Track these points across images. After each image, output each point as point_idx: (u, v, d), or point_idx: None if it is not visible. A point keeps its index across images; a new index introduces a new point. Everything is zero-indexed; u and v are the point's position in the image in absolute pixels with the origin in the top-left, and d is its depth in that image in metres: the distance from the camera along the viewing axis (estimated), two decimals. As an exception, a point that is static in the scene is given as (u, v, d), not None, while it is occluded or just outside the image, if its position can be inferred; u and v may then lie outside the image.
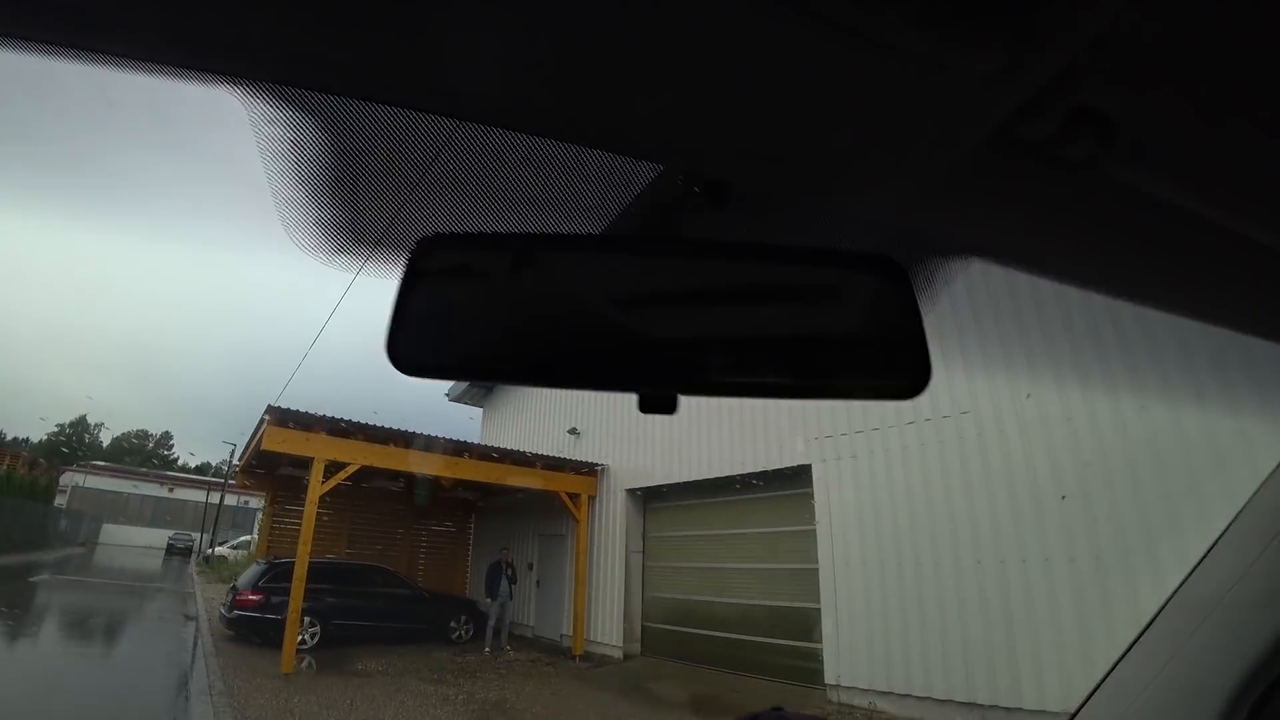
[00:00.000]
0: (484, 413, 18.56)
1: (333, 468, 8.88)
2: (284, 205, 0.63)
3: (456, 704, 7.16)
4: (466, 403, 18.97)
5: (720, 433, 9.14)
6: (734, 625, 8.44)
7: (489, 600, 10.89)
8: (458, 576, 15.32)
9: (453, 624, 11.46)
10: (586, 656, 10.20)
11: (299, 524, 13.98)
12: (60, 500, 38.08)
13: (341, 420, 8.81)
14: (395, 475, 12.92)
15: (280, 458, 10.84)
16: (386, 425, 9.27)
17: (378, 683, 8.01)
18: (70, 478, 41.15)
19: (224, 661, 8.50)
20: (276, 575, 9.88)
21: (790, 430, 8.17)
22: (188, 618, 11.63)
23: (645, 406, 0.57)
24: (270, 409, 8.27)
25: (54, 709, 5.98)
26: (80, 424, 64.62)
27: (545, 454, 11.12)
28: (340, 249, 0.69)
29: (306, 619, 9.75)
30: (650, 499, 10.71)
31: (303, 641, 9.62)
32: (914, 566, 6.58)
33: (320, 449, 8.60)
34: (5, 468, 28.93)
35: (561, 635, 11.36)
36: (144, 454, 67.41)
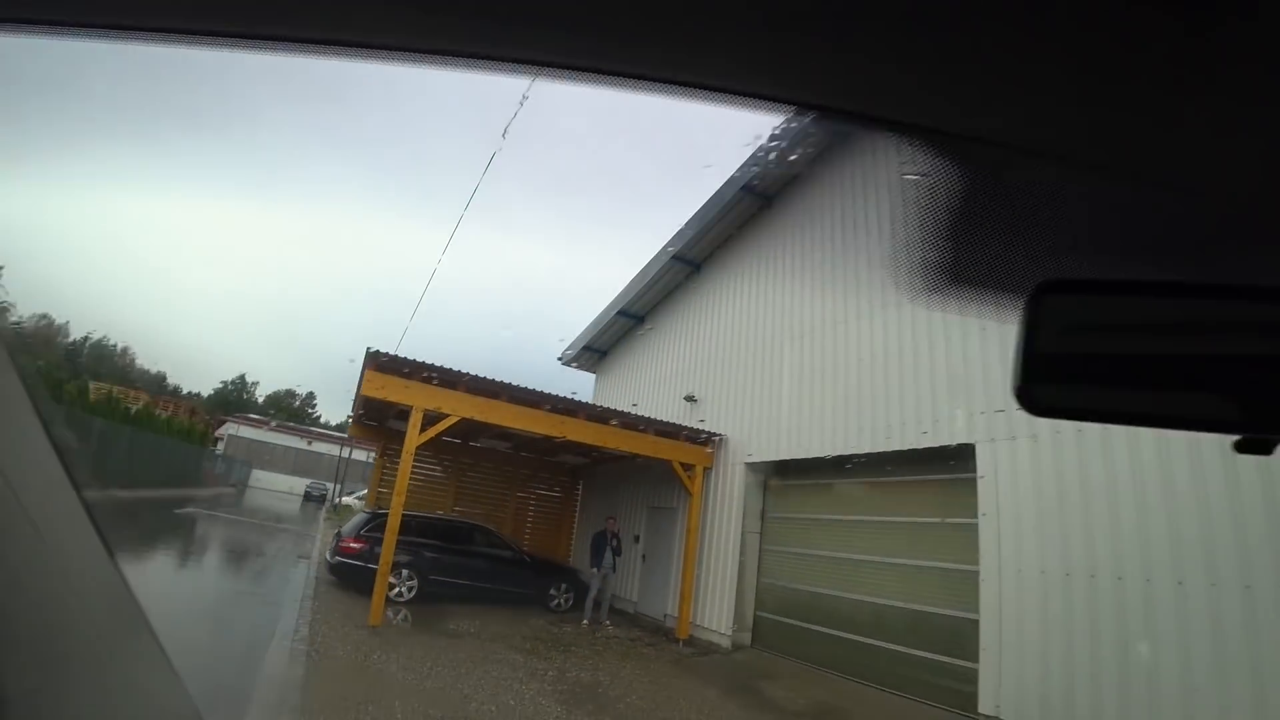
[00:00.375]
0: (597, 379, 18.32)
1: (433, 420, 8.80)
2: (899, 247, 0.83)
3: (544, 680, 6.79)
4: (578, 367, 18.85)
5: (859, 402, 8.06)
6: (863, 627, 7.44)
7: (592, 570, 10.56)
8: (562, 543, 15.26)
9: (552, 591, 11.28)
10: (690, 642, 9.58)
11: (403, 475, 14.50)
12: (219, 447, 44.56)
13: (442, 368, 8.63)
14: (505, 435, 12.91)
15: (387, 410, 11.04)
16: (491, 377, 9.01)
17: (466, 646, 7.84)
18: (228, 427, 47.99)
19: (317, 606, 8.72)
20: (378, 525, 10.03)
21: (949, 400, 6.97)
22: (300, 557, 12.28)
23: (1242, 447, 0.62)
24: (369, 354, 8.21)
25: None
26: (240, 382, 75.03)
27: (664, 421, 10.51)
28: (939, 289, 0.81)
29: (405, 572, 9.91)
30: (773, 475, 9.82)
31: (399, 594, 9.79)
32: (1113, 582, 5.29)
33: (418, 397, 8.49)
34: (169, 414, 33.05)
35: (665, 615, 10.81)
36: (290, 410, 75.38)
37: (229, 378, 75.68)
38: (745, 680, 7.79)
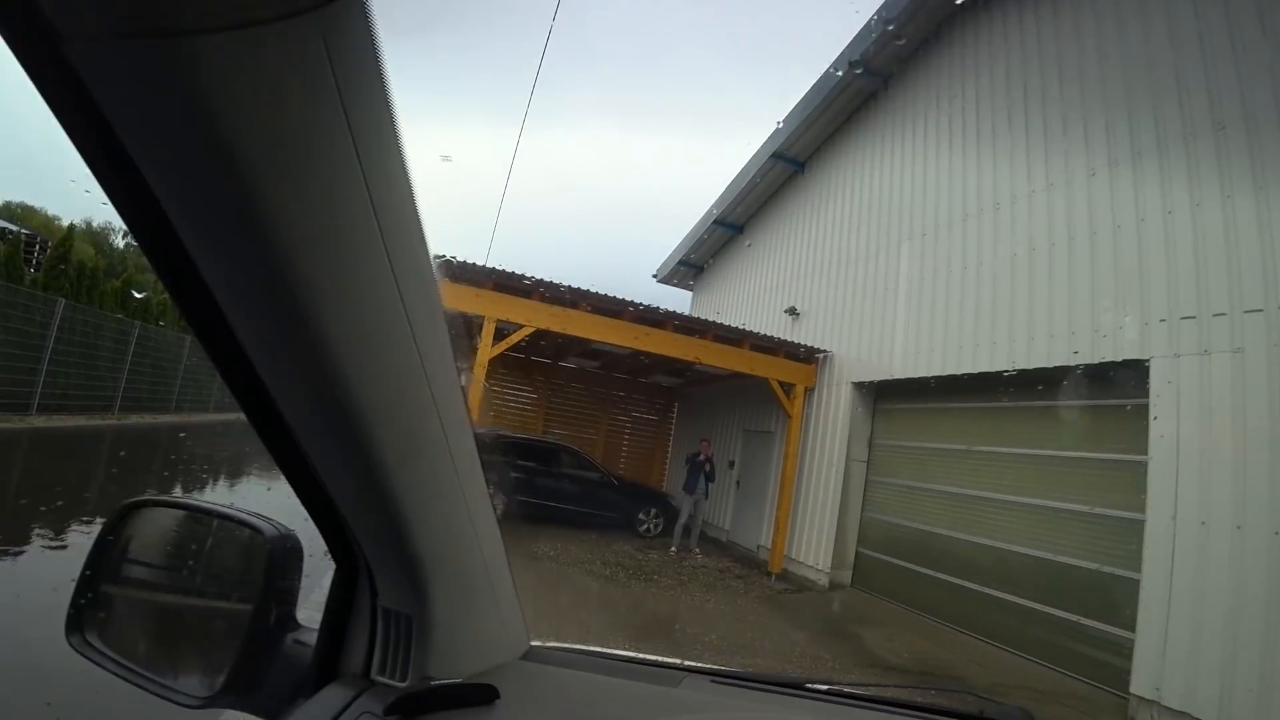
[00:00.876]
0: (693, 296, 17.35)
1: (507, 334, 8.31)
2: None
3: (617, 612, 6.31)
4: (675, 284, 17.91)
5: (991, 311, 6.65)
6: (984, 575, 6.32)
7: (685, 495, 9.98)
8: (655, 467, 14.85)
9: (641, 516, 10.87)
10: (784, 576, 8.85)
11: (491, 396, 14.44)
12: None
13: (515, 275, 8.02)
14: (593, 353, 12.39)
15: (474, 327, 10.71)
16: (569, 284, 8.30)
17: (544, 570, 7.52)
18: None
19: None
20: (462, 442, 9.89)
21: (1113, 306, 5.49)
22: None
23: None
24: (435, 257, 7.68)
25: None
26: None
27: (763, 334, 9.48)
28: None
29: (490, 491, 9.74)
30: (883, 397, 8.61)
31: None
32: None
33: (490, 307, 7.96)
34: None
35: (758, 546, 10.12)
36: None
37: None
38: (841, 624, 6.98)
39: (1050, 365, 5.91)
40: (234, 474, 10.57)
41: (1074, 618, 5.42)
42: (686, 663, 1.04)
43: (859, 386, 8.67)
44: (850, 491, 8.49)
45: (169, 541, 1.07)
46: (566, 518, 10.40)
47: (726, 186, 13.61)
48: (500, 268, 7.93)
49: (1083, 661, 5.27)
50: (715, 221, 14.44)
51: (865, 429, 8.71)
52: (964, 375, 6.82)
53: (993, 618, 6.14)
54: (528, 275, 8.08)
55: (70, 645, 0.88)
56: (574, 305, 8.47)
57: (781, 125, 11.51)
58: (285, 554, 0.81)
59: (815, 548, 8.64)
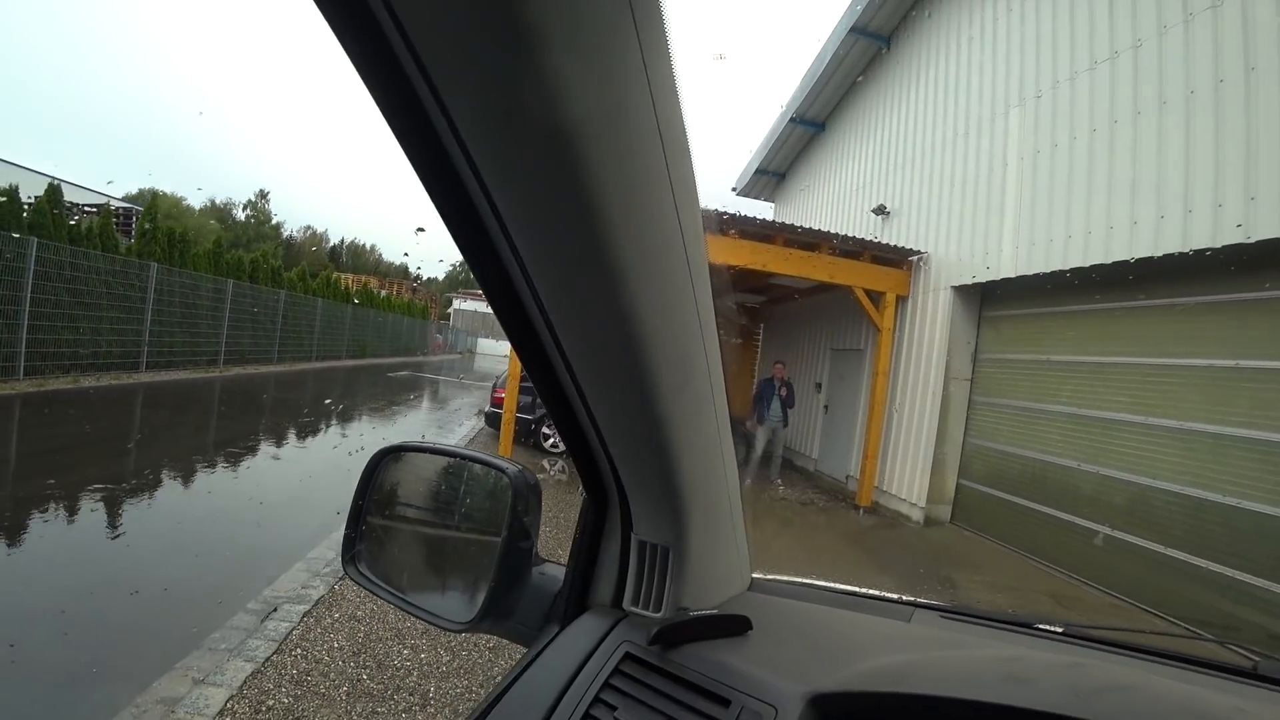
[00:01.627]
0: (775, 208, 15.85)
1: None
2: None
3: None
4: (755, 196, 16.42)
5: (1129, 183, 5.13)
6: (1121, 518, 5.08)
7: (759, 424, 9.12)
8: (741, 393, 13.93)
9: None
10: (874, 510, 7.90)
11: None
12: (450, 320, 51.88)
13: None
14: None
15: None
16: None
17: (599, 505, 7.02)
18: (458, 303, 54.76)
19: (463, 456, 8.47)
20: (527, 375, 9.47)
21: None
22: (479, 411, 12.49)
23: None
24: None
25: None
26: (465, 264, 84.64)
27: (844, 235, 8.15)
28: None
29: (560, 421, 9.38)
30: (990, 302, 7.22)
31: (554, 445, 9.31)
32: None
33: None
34: (394, 294, 37.38)
35: (847, 477, 9.15)
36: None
37: (457, 260, 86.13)
38: (936, 565, 6.01)
39: (1216, 245, 4.44)
40: (343, 417, 10.82)
41: (1242, 577, 4.18)
42: (908, 598, 0.99)
43: (960, 291, 7.31)
44: (950, 415, 7.28)
45: (420, 482, 1.19)
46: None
47: (802, 78, 11.96)
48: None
49: (1253, 631, 4.07)
50: (793, 119, 12.83)
51: (968, 341, 7.38)
52: (1095, 268, 5.37)
53: (1127, 569, 4.94)
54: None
55: (347, 575, 0.98)
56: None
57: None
58: (527, 491, 0.85)
59: (909, 479, 7.58)
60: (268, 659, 3.04)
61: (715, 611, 0.74)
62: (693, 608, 0.75)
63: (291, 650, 3.15)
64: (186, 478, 6.30)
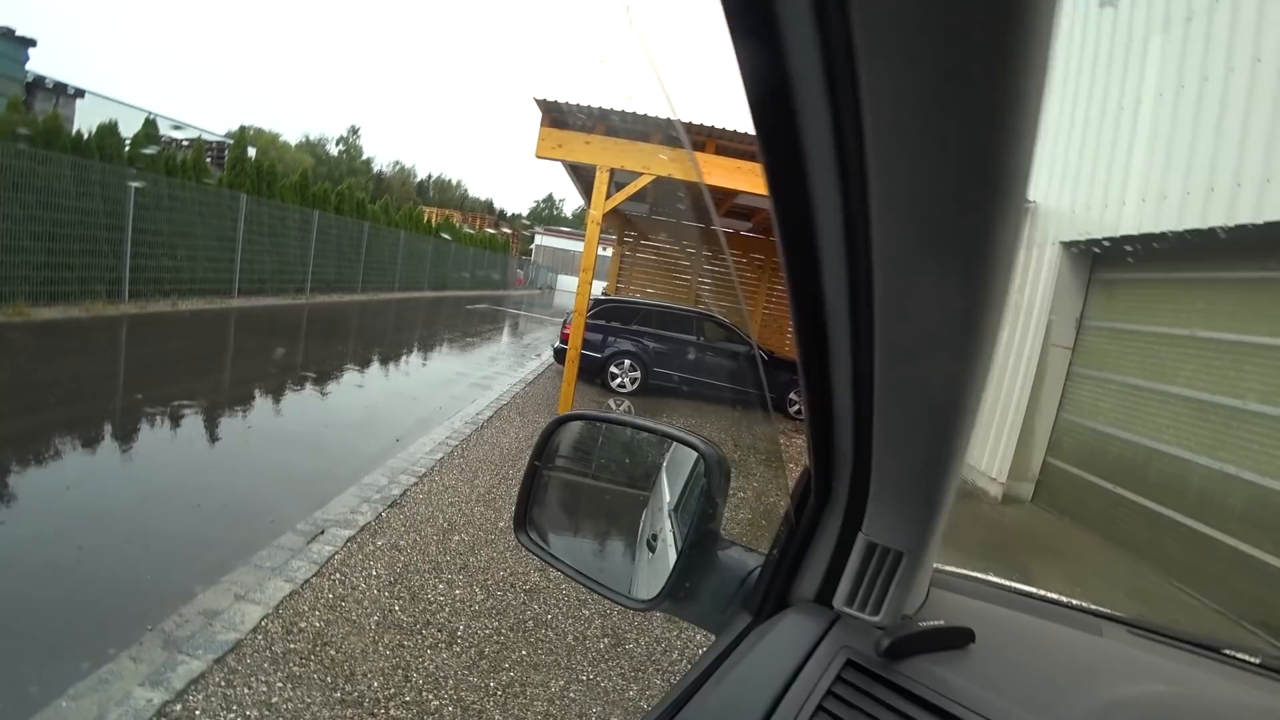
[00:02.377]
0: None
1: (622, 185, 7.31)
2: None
3: (732, 504, 5.51)
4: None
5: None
6: (1232, 521, 4.43)
7: None
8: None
9: (793, 395, 9.78)
10: (950, 480, 7.45)
11: (641, 265, 13.68)
12: (533, 256, 52.37)
13: (627, 115, 6.83)
14: (745, 212, 11.06)
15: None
16: (693, 120, 6.91)
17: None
18: (540, 239, 55.10)
19: (528, 391, 8.54)
20: (599, 312, 9.37)
21: None
22: (552, 345, 12.59)
23: None
24: (538, 102, 6.75)
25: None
26: (549, 200, 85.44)
27: None
28: None
29: (628, 362, 9.31)
30: (1104, 262, 6.45)
31: (620, 385, 9.29)
32: None
33: (602, 155, 6.92)
34: (475, 226, 37.88)
35: (923, 442, 8.66)
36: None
37: (540, 197, 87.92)
38: (1012, 553, 5.59)
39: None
40: (419, 346, 11.13)
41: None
42: (1096, 607, 0.91)
43: (1069, 247, 6.56)
44: (1045, 385, 6.66)
45: (599, 451, 1.20)
46: (710, 394, 9.69)
47: None
48: (608, 107, 6.78)
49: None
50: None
51: (1074, 305, 6.66)
52: (1240, 228, 4.62)
53: (1241, 583, 4.37)
54: (642, 113, 6.87)
55: (519, 542, 0.99)
56: (699, 147, 7.17)
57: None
58: (723, 474, 0.83)
59: (991, 450, 7.04)
60: (307, 581, 3.10)
61: (942, 623, 0.69)
62: (908, 613, 0.71)
63: (331, 574, 3.21)
64: (262, 398, 6.60)
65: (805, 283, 0.48)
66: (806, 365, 0.57)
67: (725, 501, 0.85)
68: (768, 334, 13.32)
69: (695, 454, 0.96)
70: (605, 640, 3.13)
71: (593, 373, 9.27)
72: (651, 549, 1.13)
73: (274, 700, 2.29)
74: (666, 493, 1.26)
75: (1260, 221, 4.45)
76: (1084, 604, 0.94)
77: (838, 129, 0.35)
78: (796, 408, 9.73)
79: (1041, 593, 0.96)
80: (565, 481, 1.14)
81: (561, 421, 1.05)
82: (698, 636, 3.30)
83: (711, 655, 0.72)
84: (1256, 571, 4.25)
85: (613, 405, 8.61)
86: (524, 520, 1.00)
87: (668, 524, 1.17)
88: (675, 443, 0.97)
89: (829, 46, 0.31)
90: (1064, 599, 0.93)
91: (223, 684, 2.34)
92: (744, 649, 0.70)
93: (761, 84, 0.36)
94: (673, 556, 1.00)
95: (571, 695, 2.69)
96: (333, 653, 2.60)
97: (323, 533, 3.61)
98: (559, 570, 0.93)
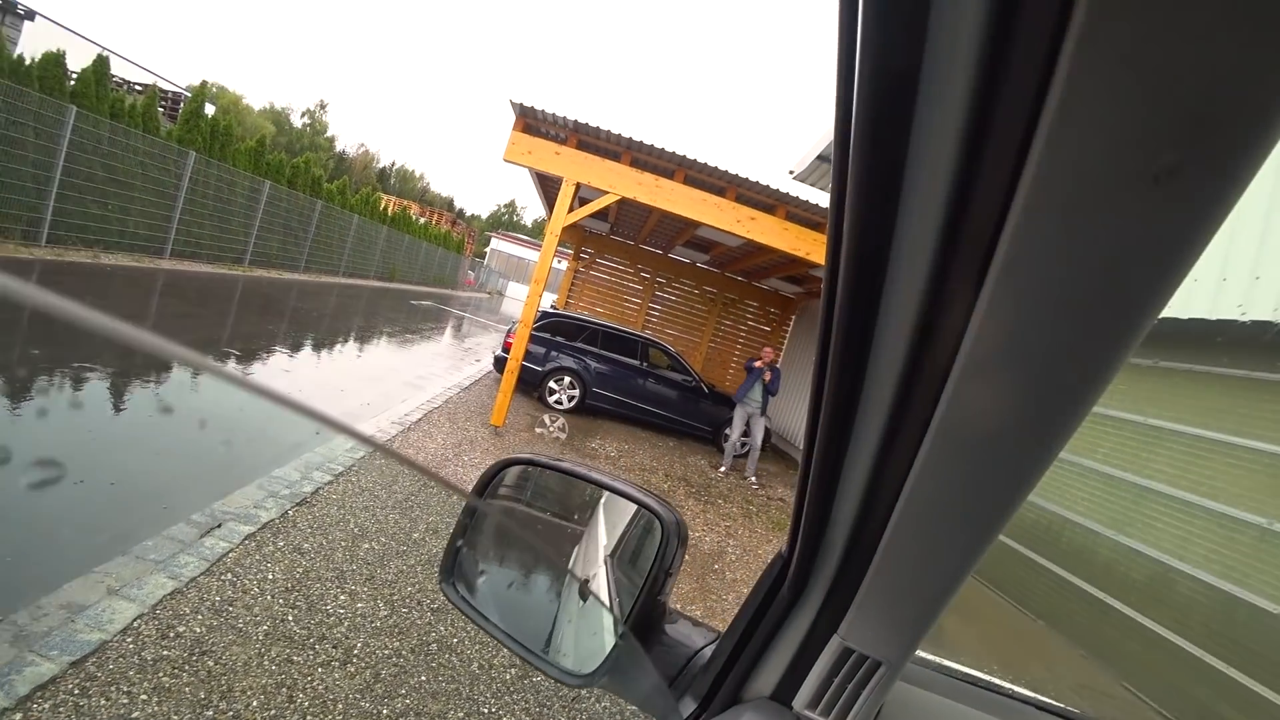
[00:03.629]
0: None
1: (587, 201, 7.22)
2: None
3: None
4: (814, 184, 15.78)
5: (1231, 231, 4.61)
6: (1131, 592, 4.63)
7: (738, 407, 8.61)
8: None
9: (728, 431, 9.82)
10: (873, 530, 7.56)
11: (594, 283, 13.61)
12: (487, 259, 51.91)
13: (600, 131, 6.77)
14: (704, 245, 11.12)
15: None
16: (666, 147, 6.90)
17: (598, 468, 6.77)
18: (495, 243, 54.43)
19: (462, 396, 8.28)
20: (545, 325, 9.21)
21: None
22: (494, 352, 12.31)
23: None
24: (514, 105, 6.62)
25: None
26: (511, 206, 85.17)
27: None
28: None
29: (568, 379, 9.15)
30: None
31: (558, 401, 9.12)
32: None
33: (570, 168, 6.83)
34: (431, 221, 37.15)
35: (851, 489, 8.79)
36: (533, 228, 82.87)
37: (503, 201, 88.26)
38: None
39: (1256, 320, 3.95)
40: (356, 337, 10.65)
41: (1260, 689, 3.78)
42: (1064, 707, 0.88)
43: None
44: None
45: (546, 503, 1.11)
46: (646, 420, 9.63)
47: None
48: (584, 121, 6.70)
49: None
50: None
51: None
52: (1162, 320, 4.88)
53: (1134, 650, 4.55)
54: (616, 132, 6.81)
55: (444, 594, 0.88)
56: (668, 174, 7.16)
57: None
58: (678, 540, 0.77)
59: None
60: (193, 579, 2.83)
61: None
62: None
63: (222, 574, 2.95)
64: (175, 371, 6.14)
65: (849, 362, 0.43)
66: (825, 455, 0.51)
67: (678, 574, 0.79)
68: (711, 368, 13.39)
69: (640, 512, 0.90)
70: (512, 671, 2.97)
71: (531, 385, 9.10)
72: (584, 596, 1.05)
73: (134, 715, 2.04)
74: (603, 535, 1.18)
75: (1185, 317, 4.71)
76: (1061, 706, 0.90)
77: (965, 198, 0.30)
78: (745, 445, 9.77)
79: (1013, 689, 0.91)
80: (502, 529, 1.04)
81: (509, 464, 0.95)
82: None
83: None
84: (1155, 646, 4.43)
85: (547, 421, 8.44)
86: (452, 569, 0.90)
87: (603, 572, 1.09)
88: (619, 497, 0.90)
89: (1012, 105, 0.26)
90: (1042, 699, 0.89)
91: (76, 692, 2.09)
92: None
93: (876, 128, 0.31)
94: (606, 614, 0.94)
95: (469, 729, 2.53)
96: (211, 664, 2.37)
97: (219, 526, 3.33)
98: (487, 632, 0.84)
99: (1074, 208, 0.28)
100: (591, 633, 0.94)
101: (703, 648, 0.77)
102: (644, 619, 0.77)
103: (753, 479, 8.49)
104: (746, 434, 8.79)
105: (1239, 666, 3.92)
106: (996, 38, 0.25)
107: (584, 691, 2.95)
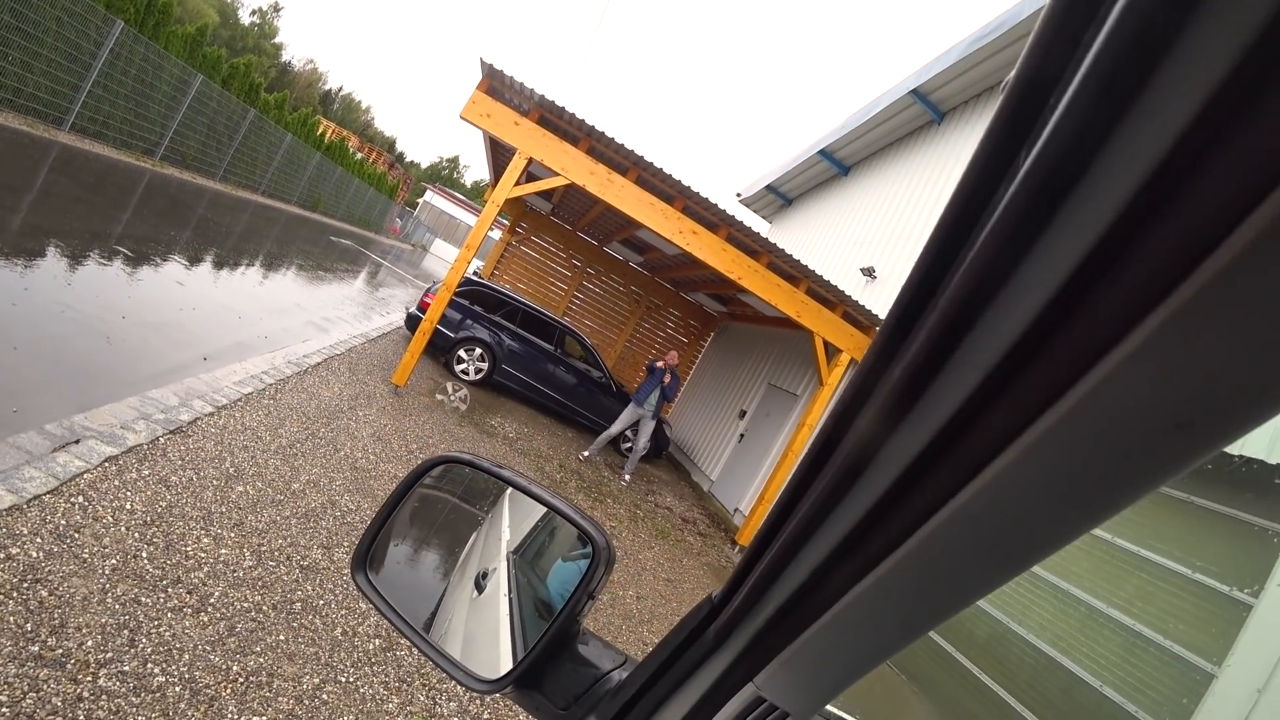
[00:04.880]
0: (771, 229, 15.69)
1: (535, 178, 7.07)
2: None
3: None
4: (757, 211, 16.21)
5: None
6: (1017, 676, 4.85)
7: (632, 405, 8.43)
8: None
9: (628, 433, 9.89)
10: (749, 552, 7.83)
11: (524, 259, 13.41)
12: (417, 211, 49.46)
13: (565, 113, 6.65)
14: (640, 246, 11.14)
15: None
16: (625, 143, 6.86)
17: (493, 449, 6.69)
18: (430, 196, 51.61)
19: (367, 348, 7.92)
20: (466, 292, 8.95)
21: None
22: (407, 306, 11.84)
23: None
24: (483, 64, 6.39)
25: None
26: (454, 162, 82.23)
27: (828, 281, 7.83)
28: None
29: (478, 350, 8.93)
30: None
31: (465, 371, 8.90)
32: None
33: (526, 141, 6.67)
34: (368, 158, 35.27)
35: (735, 510, 9.08)
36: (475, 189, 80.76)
37: (447, 155, 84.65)
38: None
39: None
40: (263, 262, 9.87)
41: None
42: None
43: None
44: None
45: (474, 504, 1.09)
46: (551, 407, 9.55)
47: (848, 118, 11.74)
48: (550, 98, 6.55)
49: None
50: (820, 152, 12.62)
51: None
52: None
53: (964, 699, 4.94)
54: (580, 117, 6.70)
55: (355, 583, 0.88)
56: (621, 170, 7.11)
57: (928, 65, 9.59)
58: (607, 565, 0.79)
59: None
60: (37, 496, 2.56)
61: None
62: None
63: (72, 495, 2.68)
64: (55, 259, 5.51)
65: (876, 433, 0.39)
66: (807, 519, 0.48)
67: (599, 597, 0.80)
68: (623, 367, 13.46)
69: (554, 516, 0.90)
70: (377, 641, 2.87)
71: (440, 350, 8.84)
72: (479, 588, 1.03)
73: (-59, 639, 1.82)
74: (507, 530, 1.14)
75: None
76: None
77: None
78: (630, 445, 9.85)
79: None
80: (431, 531, 1.04)
81: (445, 461, 0.93)
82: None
83: None
84: (977, 690, 4.80)
85: (450, 389, 8.20)
86: (365, 558, 0.88)
87: (504, 567, 1.05)
88: (554, 513, 0.88)
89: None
90: None
91: (-126, 603, 1.84)
92: None
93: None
94: (504, 612, 0.93)
95: (324, 697, 2.42)
96: (45, 593, 2.15)
97: (77, 442, 3.02)
98: (396, 627, 0.83)
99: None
100: (488, 631, 0.92)
101: (610, 671, 0.77)
102: (559, 635, 0.77)
103: (626, 477, 8.54)
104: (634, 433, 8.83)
105: (1039, 714, 4.32)
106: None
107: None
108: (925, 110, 10.02)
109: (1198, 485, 4.26)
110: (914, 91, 9.86)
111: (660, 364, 8.35)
